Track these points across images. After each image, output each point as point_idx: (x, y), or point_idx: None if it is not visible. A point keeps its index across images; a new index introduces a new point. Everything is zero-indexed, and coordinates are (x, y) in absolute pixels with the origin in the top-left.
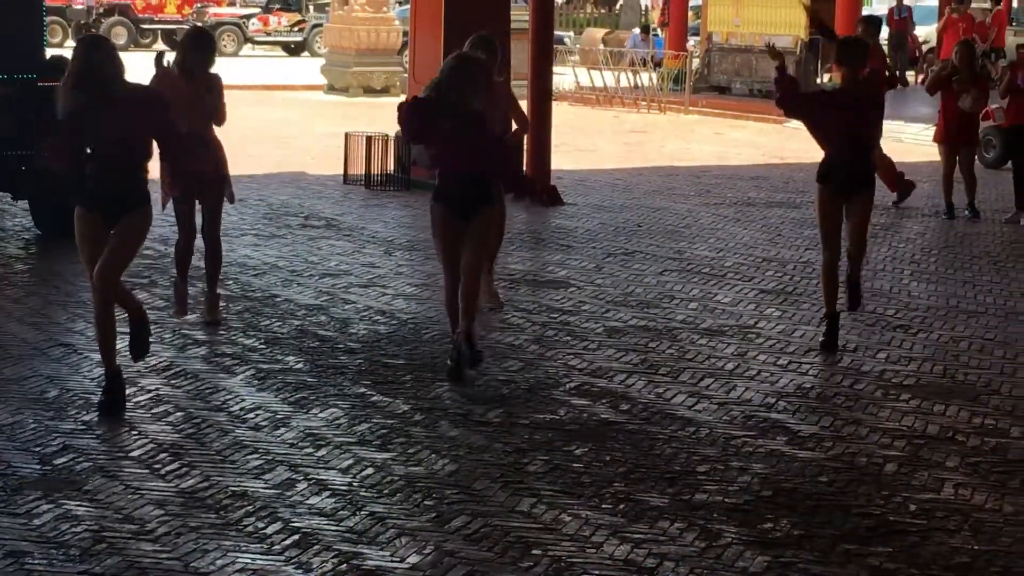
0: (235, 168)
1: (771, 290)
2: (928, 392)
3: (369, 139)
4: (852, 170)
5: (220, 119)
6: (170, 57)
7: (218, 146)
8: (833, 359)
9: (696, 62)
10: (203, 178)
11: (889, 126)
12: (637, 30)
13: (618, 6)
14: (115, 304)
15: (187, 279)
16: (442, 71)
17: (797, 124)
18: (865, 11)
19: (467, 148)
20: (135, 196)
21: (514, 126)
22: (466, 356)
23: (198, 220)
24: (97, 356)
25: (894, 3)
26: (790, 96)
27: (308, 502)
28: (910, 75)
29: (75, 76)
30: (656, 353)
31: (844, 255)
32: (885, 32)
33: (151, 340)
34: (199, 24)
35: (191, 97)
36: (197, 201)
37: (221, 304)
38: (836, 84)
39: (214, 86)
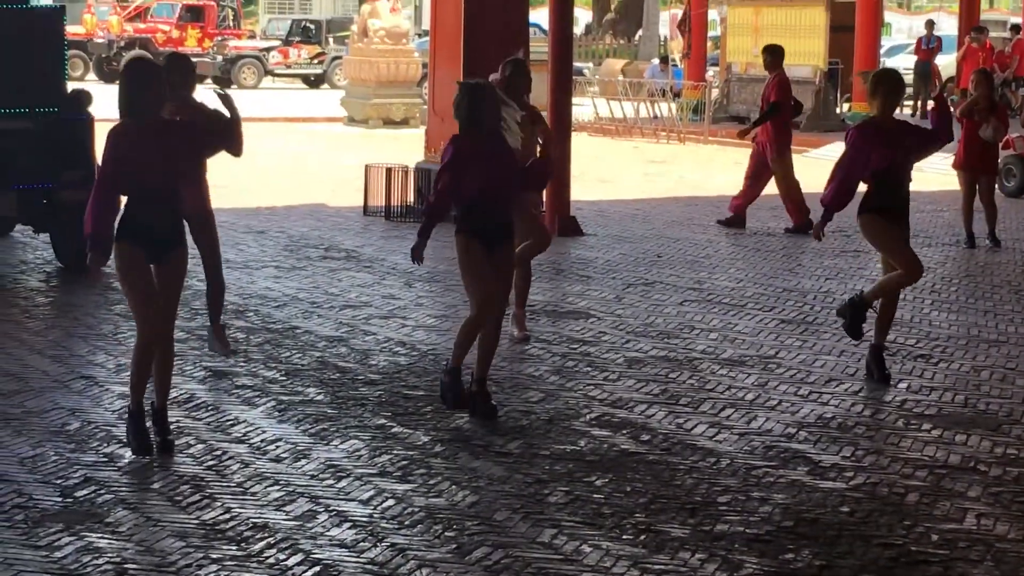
0: (255, 200)
1: (791, 320)
2: (950, 422)
3: (389, 171)
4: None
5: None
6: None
7: (204, 182)
8: (854, 389)
9: (715, 92)
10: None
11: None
12: (656, 60)
13: (637, 37)
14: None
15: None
16: (470, 103)
17: (817, 154)
18: (884, 41)
19: (496, 180)
20: (177, 233)
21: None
22: (484, 403)
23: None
24: (118, 388)
25: (923, 32)
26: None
27: (329, 534)
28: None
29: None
30: (676, 383)
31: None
32: (911, 61)
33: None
34: (179, 52)
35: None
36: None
37: (231, 335)
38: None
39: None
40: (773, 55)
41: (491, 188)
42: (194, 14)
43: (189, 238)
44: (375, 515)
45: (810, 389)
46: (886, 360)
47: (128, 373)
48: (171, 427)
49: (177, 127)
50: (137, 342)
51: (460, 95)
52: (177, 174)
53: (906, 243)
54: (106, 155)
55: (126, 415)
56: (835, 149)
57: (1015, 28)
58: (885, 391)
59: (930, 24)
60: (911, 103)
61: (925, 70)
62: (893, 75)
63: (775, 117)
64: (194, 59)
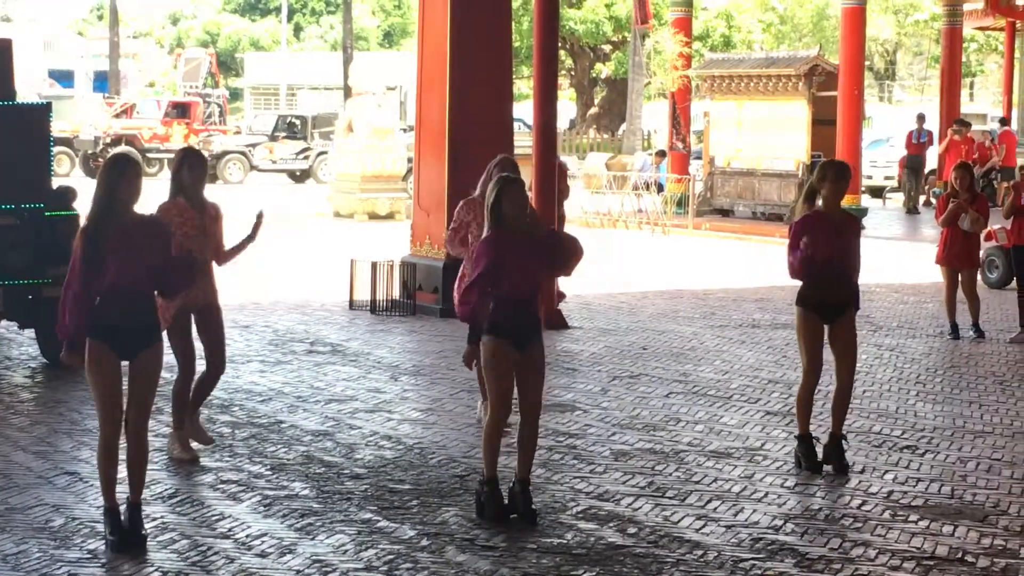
0: (241, 294)
1: (777, 412)
2: (936, 513)
3: (374, 265)
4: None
5: (220, 253)
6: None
7: (212, 276)
8: (842, 480)
9: (699, 185)
10: (197, 309)
11: (895, 247)
12: (650, 153)
13: (620, 131)
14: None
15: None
16: (493, 195)
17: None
18: (865, 134)
19: (526, 274)
20: (150, 330)
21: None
22: (524, 503)
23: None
24: None
25: (913, 126)
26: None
27: None
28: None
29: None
30: (663, 476)
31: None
32: (892, 154)
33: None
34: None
35: (201, 223)
36: (196, 333)
37: (215, 430)
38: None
39: (219, 215)
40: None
41: (522, 286)
42: (180, 111)
43: (194, 329)
44: None
45: (796, 481)
46: (844, 449)
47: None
48: (145, 523)
49: (150, 224)
50: (100, 440)
51: (492, 189)
52: (150, 271)
53: (819, 343)
54: (78, 252)
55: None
56: None
57: (1002, 121)
58: (871, 483)
59: (921, 118)
60: (902, 197)
61: (916, 164)
62: (839, 163)
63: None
64: None
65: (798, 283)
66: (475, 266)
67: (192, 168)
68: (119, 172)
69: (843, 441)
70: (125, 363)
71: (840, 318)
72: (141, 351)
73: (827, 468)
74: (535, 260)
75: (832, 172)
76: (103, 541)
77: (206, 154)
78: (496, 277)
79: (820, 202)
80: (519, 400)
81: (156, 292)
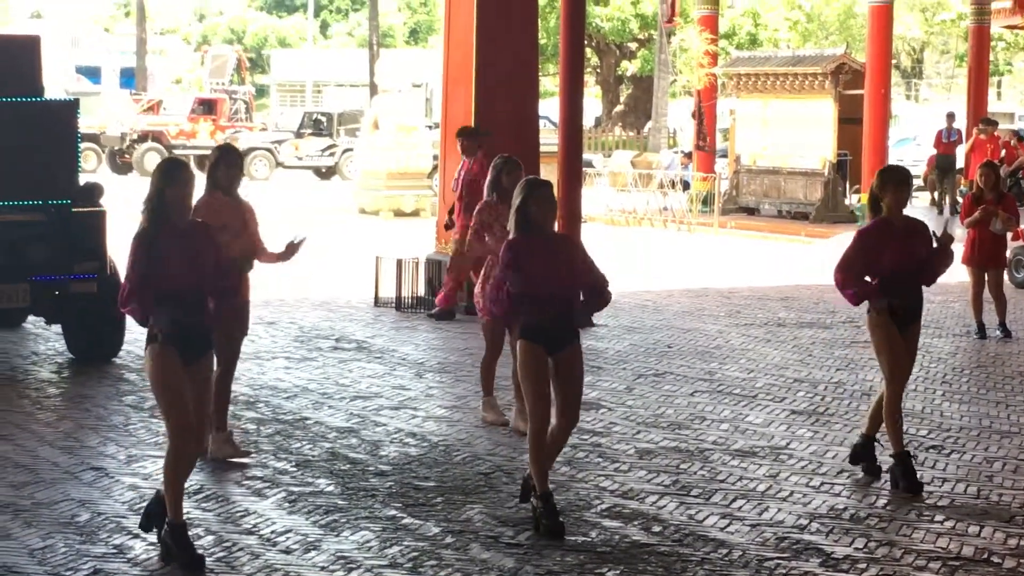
0: (267, 291)
1: (803, 411)
2: (962, 513)
3: (400, 262)
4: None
5: (261, 251)
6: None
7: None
8: (865, 480)
9: (725, 184)
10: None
11: None
12: (676, 151)
13: (646, 129)
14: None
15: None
16: (521, 197)
17: (828, 244)
18: (891, 132)
19: (554, 277)
20: (207, 334)
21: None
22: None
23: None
24: (128, 479)
25: (944, 125)
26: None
27: None
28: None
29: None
30: (688, 474)
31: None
32: (920, 153)
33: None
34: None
35: (239, 220)
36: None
37: (241, 426)
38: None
39: (253, 213)
40: (469, 138)
41: (551, 289)
42: (206, 107)
43: None
44: None
45: (822, 480)
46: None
47: (141, 464)
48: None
49: (202, 229)
50: (170, 450)
51: (519, 192)
52: (204, 276)
53: (903, 351)
54: (134, 256)
55: (147, 511)
56: (844, 240)
57: None
58: (871, 478)
59: (951, 116)
60: (932, 197)
61: (946, 163)
62: (900, 170)
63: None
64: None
65: (825, 283)
66: (502, 270)
67: (229, 165)
68: (170, 178)
69: (876, 443)
70: None
71: (911, 326)
72: (200, 355)
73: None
74: (563, 262)
75: (894, 179)
76: (129, 536)
77: None
78: (524, 281)
79: (884, 209)
80: (556, 409)
81: (209, 295)
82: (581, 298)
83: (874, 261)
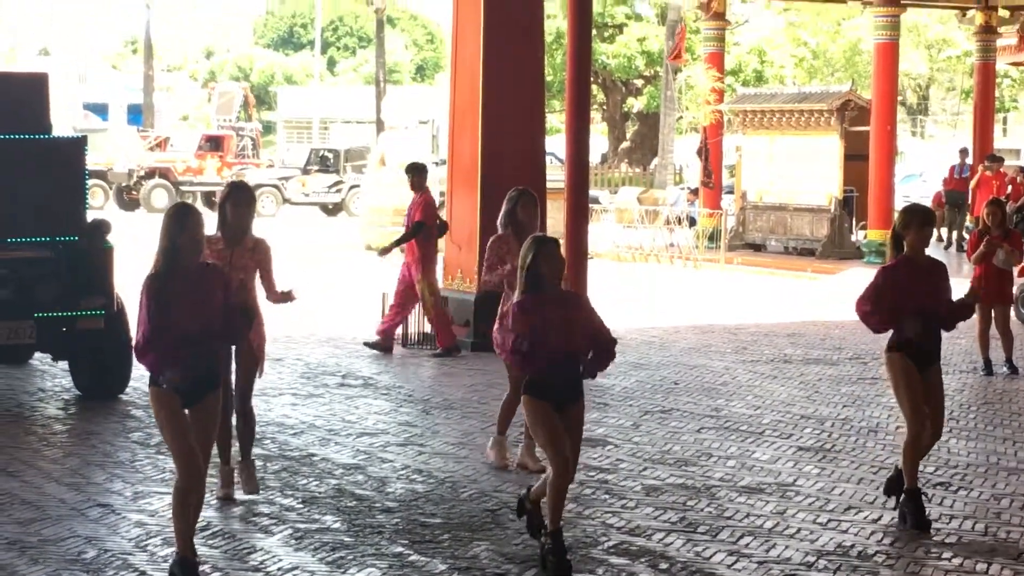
0: (273, 327)
1: (810, 447)
2: (970, 551)
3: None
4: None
5: (272, 290)
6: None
7: (258, 315)
8: (873, 517)
9: (731, 220)
10: (240, 348)
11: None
12: (683, 188)
13: (652, 166)
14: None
15: (230, 458)
16: (530, 255)
17: (834, 280)
18: (897, 169)
19: (563, 336)
20: (213, 376)
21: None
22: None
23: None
24: (135, 516)
25: (956, 161)
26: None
27: None
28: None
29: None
30: (695, 511)
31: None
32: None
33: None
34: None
35: (228, 258)
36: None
37: (258, 466)
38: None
39: (261, 249)
40: (418, 174)
41: (560, 347)
42: (213, 144)
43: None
44: None
45: (829, 517)
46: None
47: (147, 500)
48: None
49: (212, 272)
50: (177, 487)
51: (527, 250)
52: (210, 320)
53: (920, 389)
54: (144, 300)
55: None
56: (850, 276)
57: None
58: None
59: (964, 152)
60: (938, 233)
61: (957, 199)
62: (923, 209)
63: (419, 237)
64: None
65: (840, 319)
66: (513, 329)
67: (236, 204)
68: (180, 224)
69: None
70: None
71: (931, 367)
72: (203, 396)
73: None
74: (571, 321)
75: (917, 219)
76: (135, 573)
77: None
78: (533, 340)
79: (906, 248)
80: None
81: (217, 337)
82: (589, 354)
83: (901, 298)
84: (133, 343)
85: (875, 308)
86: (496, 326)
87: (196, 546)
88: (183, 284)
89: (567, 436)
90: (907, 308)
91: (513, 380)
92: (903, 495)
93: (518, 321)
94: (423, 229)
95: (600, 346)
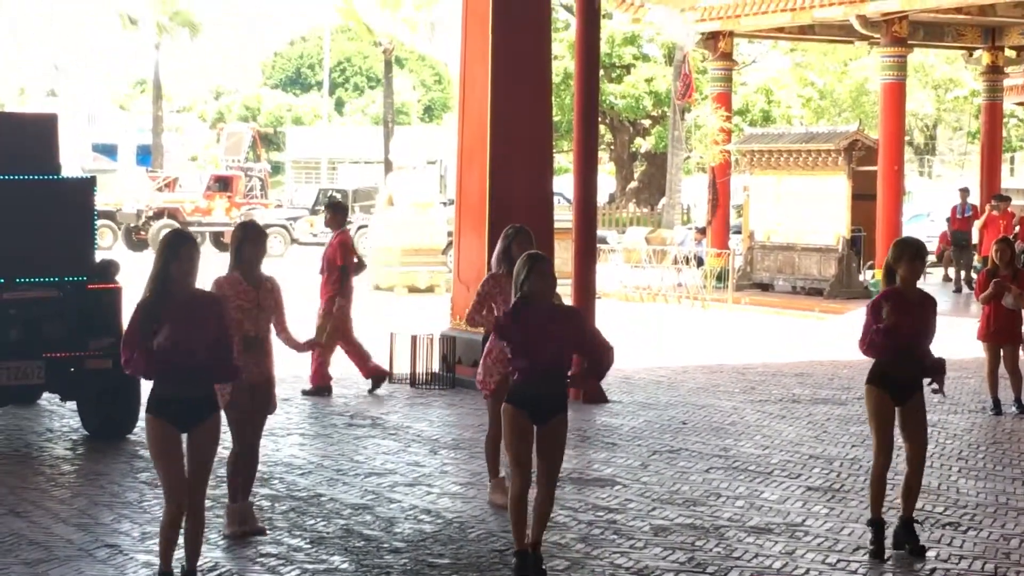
0: (281, 367)
1: (818, 487)
2: None
3: (414, 338)
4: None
5: (281, 327)
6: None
7: (270, 351)
8: (883, 562)
9: (739, 260)
10: (254, 384)
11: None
12: (690, 228)
13: (660, 205)
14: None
15: (239, 495)
16: (524, 271)
17: (842, 320)
18: (905, 208)
19: (550, 348)
20: (207, 402)
21: None
22: (535, 567)
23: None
24: (143, 556)
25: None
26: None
27: None
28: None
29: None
30: (703, 552)
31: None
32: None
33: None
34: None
35: (256, 298)
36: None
37: (256, 503)
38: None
39: (276, 288)
40: (335, 212)
41: (545, 359)
42: (222, 184)
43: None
44: None
45: (838, 557)
46: (917, 531)
47: (156, 541)
48: None
49: (207, 300)
50: (165, 513)
51: (521, 265)
52: (201, 348)
53: (891, 424)
54: (134, 321)
55: None
56: (858, 316)
57: None
58: (915, 559)
59: (965, 192)
60: (945, 272)
61: (962, 239)
62: (915, 243)
63: (338, 276)
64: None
65: (848, 359)
66: (495, 336)
67: (254, 243)
68: (173, 252)
69: (916, 524)
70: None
71: (911, 399)
72: (198, 424)
73: (898, 551)
74: (558, 334)
75: (909, 252)
76: None
77: None
78: (518, 350)
79: (898, 280)
80: (537, 467)
81: (209, 373)
82: (585, 365)
83: (890, 329)
84: (122, 360)
85: (873, 343)
86: (482, 362)
87: None
88: (173, 311)
89: (544, 452)
90: (900, 337)
91: (492, 415)
92: (869, 524)
93: (503, 326)
94: (344, 271)
95: (594, 355)
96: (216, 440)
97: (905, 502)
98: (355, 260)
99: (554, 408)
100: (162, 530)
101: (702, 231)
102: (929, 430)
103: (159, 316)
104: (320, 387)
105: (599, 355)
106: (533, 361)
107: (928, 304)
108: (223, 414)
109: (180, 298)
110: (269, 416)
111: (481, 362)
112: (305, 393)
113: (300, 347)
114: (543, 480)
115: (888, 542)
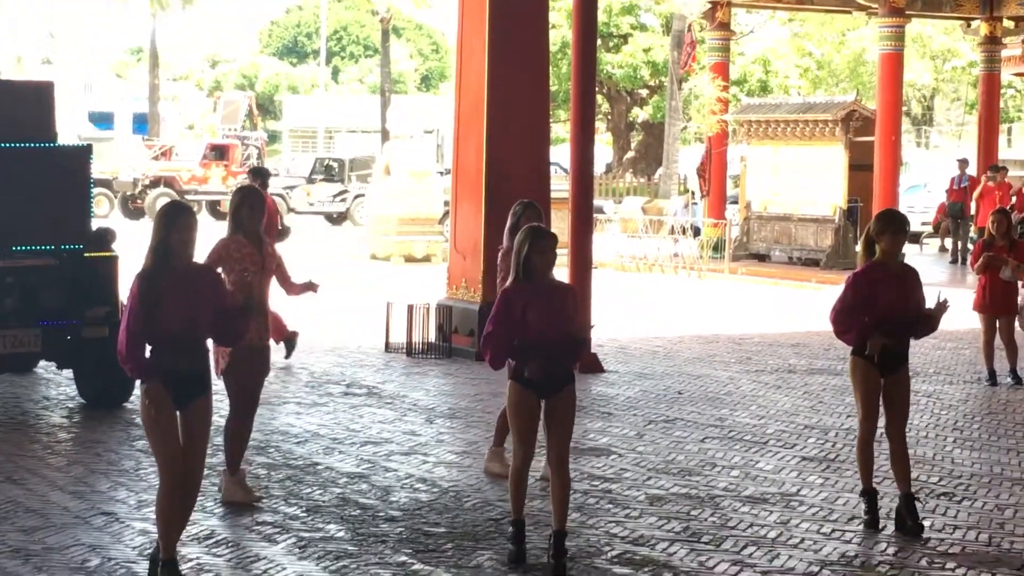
0: (278, 337)
1: (813, 457)
2: (974, 561)
3: (411, 308)
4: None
5: (289, 284)
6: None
7: (268, 314)
8: (879, 529)
9: (735, 230)
10: (252, 349)
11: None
12: (682, 198)
13: (657, 175)
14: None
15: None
16: (524, 244)
17: (838, 290)
18: (902, 179)
19: (551, 323)
20: (203, 377)
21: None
22: (555, 550)
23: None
24: (139, 524)
25: (954, 171)
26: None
27: None
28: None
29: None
30: (698, 521)
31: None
32: (929, 200)
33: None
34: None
35: (260, 260)
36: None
37: (252, 471)
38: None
39: (274, 249)
40: (261, 177)
41: (546, 335)
42: (218, 153)
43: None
44: None
45: (833, 527)
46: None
47: (152, 509)
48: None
49: (204, 272)
50: (160, 488)
51: (522, 240)
52: (201, 319)
53: (877, 394)
54: (134, 295)
55: (152, 559)
56: None
57: None
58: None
59: (963, 163)
60: (942, 243)
61: (957, 211)
62: (899, 216)
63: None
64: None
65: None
66: (495, 314)
67: (252, 207)
68: (171, 222)
69: (916, 501)
70: None
71: (896, 372)
72: (193, 399)
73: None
74: (558, 309)
75: (893, 225)
76: None
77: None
78: (519, 327)
79: (878, 253)
80: (547, 451)
81: (212, 339)
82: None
83: (869, 303)
84: (116, 349)
85: (847, 326)
86: (485, 337)
87: (200, 555)
88: (173, 283)
89: (552, 424)
90: (879, 311)
91: None
92: (861, 496)
93: (502, 304)
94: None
95: (569, 342)
96: (210, 416)
97: (899, 476)
98: (280, 227)
99: (560, 382)
100: (160, 509)
101: (692, 194)
102: (925, 400)
103: (159, 288)
104: (288, 340)
105: (571, 342)
106: (535, 339)
107: (911, 276)
108: (221, 381)
109: (179, 270)
110: (265, 386)
111: (485, 338)
112: (288, 355)
113: (301, 289)
114: (554, 460)
115: (884, 512)
